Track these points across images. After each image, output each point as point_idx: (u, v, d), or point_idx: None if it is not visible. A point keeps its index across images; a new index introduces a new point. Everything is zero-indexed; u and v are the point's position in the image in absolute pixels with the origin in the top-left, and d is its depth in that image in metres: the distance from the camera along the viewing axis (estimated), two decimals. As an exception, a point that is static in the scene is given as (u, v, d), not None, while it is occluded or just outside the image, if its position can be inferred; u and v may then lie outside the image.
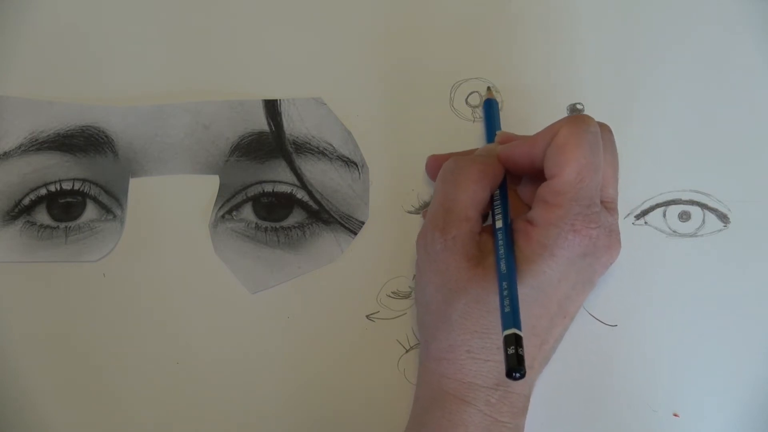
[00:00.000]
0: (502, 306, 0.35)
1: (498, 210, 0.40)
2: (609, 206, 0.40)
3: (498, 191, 0.41)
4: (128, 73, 0.48)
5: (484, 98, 0.46)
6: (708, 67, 0.47)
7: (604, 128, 0.40)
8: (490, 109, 0.46)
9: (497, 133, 0.44)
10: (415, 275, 0.44)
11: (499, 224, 0.39)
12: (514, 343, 0.34)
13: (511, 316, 0.35)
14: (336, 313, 0.44)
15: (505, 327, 0.34)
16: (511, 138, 0.42)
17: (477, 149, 0.44)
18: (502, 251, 0.38)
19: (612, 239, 0.39)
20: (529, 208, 0.41)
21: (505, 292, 0.36)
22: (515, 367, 0.33)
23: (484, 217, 0.41)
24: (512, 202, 0.41)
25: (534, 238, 0.38)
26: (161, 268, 0.45)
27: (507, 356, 0.34)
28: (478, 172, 0.40)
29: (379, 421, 0.42)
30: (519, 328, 0.34)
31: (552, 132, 0.38)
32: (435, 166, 0.44)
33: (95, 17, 0.49)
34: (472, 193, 0.39)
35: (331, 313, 0.44)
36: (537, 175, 0.40)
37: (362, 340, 0.43)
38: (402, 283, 0.44)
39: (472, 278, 0.38)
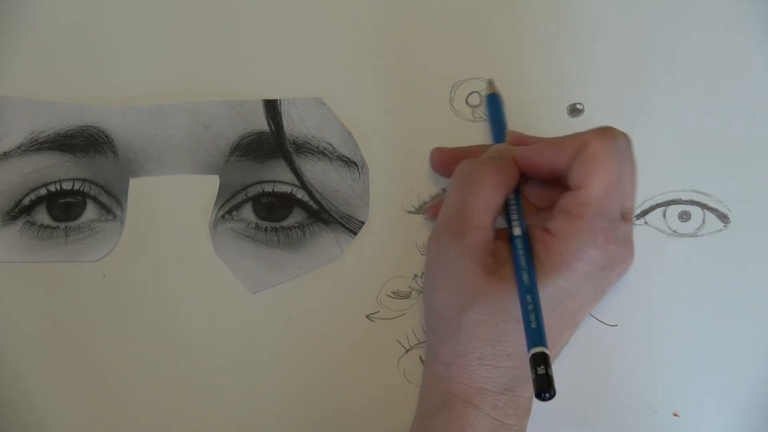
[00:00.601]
0: (527, 322, 0.35)
1: (514, 216, 0.39)
2: (626, 216, 0.39)
3: (512, 196, 0.40)
4: (128, 73, 0.48)
5: (486, 93, 0.46)
6: (708, 67, 0.47)
7: (625, 138, 0.39)
8: (495, 104, 0.45)
9: (509, 132, 0.43)
10: (416, 275, 0.44)
11: (516, 231, 0.38)
12: (543, 362, 0.33)
13: (537, 333, 0.34)
14: (336, 313, 0.44)
15: (531, 344, 0.34)
16: (523, 139, 0.42)
17: (489, 147, 0.43)
18: (522, 262, 0.37)
19: (627, 250, 0.39)
20: (536, 209, 0.40)
21: (530, 307, 0.35)
22: (546, 387, 0.33)
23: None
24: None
25: (554, 249, 0.37)
26: (161, 268, 0.45)
27: (537, 377, 0.33)
28: (495, 176, 0.39)
29: (380, 421, 0.42)
30: (546, 346, 0.34)
31: (581, 142, 0.38)
32: (440, 160, 0.43)
33: (95, 17, 0.49)
34: (488, 200, 0.38)
35: (331, 313, 0.44)
36: (553, 180, 0.40)
37: (362, 340, 0.43)
38: (402, 283, 0.44)
39: (487, 286, 0.37)
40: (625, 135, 0.38)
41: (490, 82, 0.46)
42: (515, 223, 0.39)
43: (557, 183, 0.39)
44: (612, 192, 0.37)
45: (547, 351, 0.34)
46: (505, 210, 0.40)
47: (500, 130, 0.44)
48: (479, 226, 0.38)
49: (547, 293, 0.37)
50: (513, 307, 0.36)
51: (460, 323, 0.38)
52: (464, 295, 0.38)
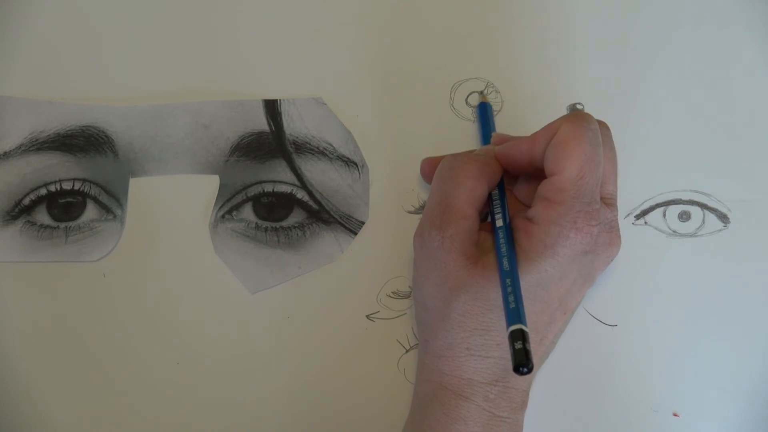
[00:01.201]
0: (506, 302, 0.35)
1: (497, 209, 0.40)
2: (609, 202, 0.40)
3: (496, 190, 0.41)
4: (128, 73, 0.48)
5: (477, 102, 0.46)
6: (708, 67, 0.47)
7: (602, 125, 0.40)
8: (485, 112, 0.46)
9: (493, 134, 0.44)
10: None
11: (499, 223, 0.39)
12: (520, 338, 0.34)
13: (516, 312, 0.35)
14: (336, 313, 0.44)
15: (510, 323, 0.35)
16: (506, 139, 0.42)
17: (474, 150, 0.44)
18: (503, 249, 0.38)
19: (612, 235, 0.39)
20: (526, 207, 0.41)
21: (509, 289, 0.36)
22: (523, 361, 0.33)
23: (483, 218, 0.41)
24: (509, 202, 0.41)
25: (535, 236, 0.38)
26: (161, 268, 0.45)
27: (514, 351, 0.34)
28: (476, 169, 0.40)
29: (379, 421, 0.42)
30: (524, 324, 0.34)
31: (552, 130, 0.38)
32: (430, 168, 0.44)
33: (95, 17, 0.49)
34: (470, 191, 0.39)
35: (331, 313, 0.44)
36: (534, 175, 0.40)
37: (362, 340, 0.43)
38: (402, 283, 0.44)
39: (471, 276, 0.38)
40: (596, 120, 0.39)
41: (482, 93, 0.47)
42: (498, 215, 0.40)
43: (543, 178, 0.40)
44: (586, 174, 0.37)
45: (525, 328, 0.34)
46: (490, 205, 0.40)
47: (488, 135, 0.44)
48: (461, 216, 0.39)
49: (531, 279, 0.37)
50: (497, 295, 0.37)
51: (448, 314, 0.38)
52: (449, 286, 0.38)
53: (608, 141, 0.40)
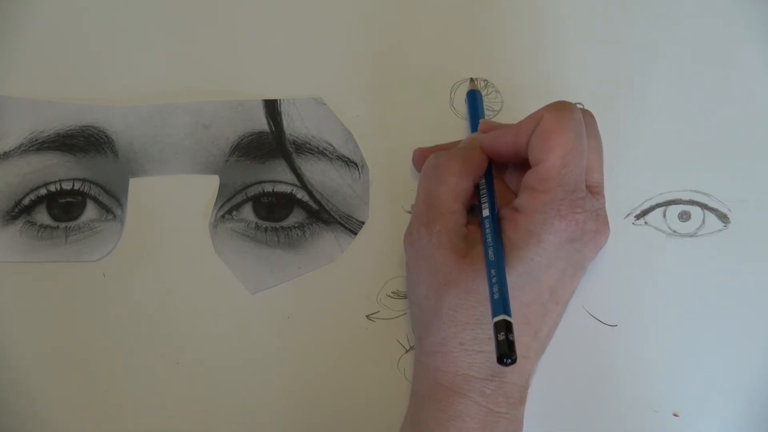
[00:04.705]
0: (492, 293, 0.35)
1: (484, 199, 0.40)
2: (595, 190, 0.40)
3: (483, 181, 0.41)
4: (128, 73, 0.48)
5: (467, 90, 0.47)
6: (708, 67, 0.47)
7: (587, 114, 0.40)
8: (474, 100, 0.46)
9: (480, 121, 0.44)
10: (412, 275, 0.44)
11: (485, 213, 0.39)
12: (504, 329, 0.34)
13: (500, 303, 0.35)
14: (336, 313, 0.44)
15: (494, 313, 0.34)
16: (493, 126, 0.42)
17: (459, 142, 0.44)
18: (489, 239, 0.38)
19: (599, 223, 0.39)
20: (517, 196, 0.41)
21: (494, 279, 0.36)
22: (506, 353, 0.33)
23: (473, 210, 0.41)
24: (500, 190, 0.41)
25: (521, 225, 0.38)
26: (161, 268, 0.45)
27: (497, 342, 0.34)
28: (458, 164, 0.40)
29: (379, 421, 0.42)
30: (509, 315, 0.34)
31: (535, 119, 0.38)
32: (421, 158, 0.44)
33: (95, 17, 0.49)
34: (453, 186, 0.39)
35: (331, 313, 0.44)
36: (523, 163, 0.40)
37: (362, 340, 0.43)
38: (402, 283, 0.44)
39: (461, 270, 0.38)
40: (579, 108, 0.39)
41: (472, 81, 0.47)
42: (484, 206, 0.40)
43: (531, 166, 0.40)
44: (569, 162, 0.37)
45: (509, 319, 0.34)
46: (477, 196, 0.40)
47: (477, 123, 0.44)
48: (447, 211, 0.39)
49: (519, 269, 0.37)
50: (486, 288, 0.37)
51: (439, 310, 0.38)
52: (439, 282, 0.38)
53: (593, 130, 0.40)
